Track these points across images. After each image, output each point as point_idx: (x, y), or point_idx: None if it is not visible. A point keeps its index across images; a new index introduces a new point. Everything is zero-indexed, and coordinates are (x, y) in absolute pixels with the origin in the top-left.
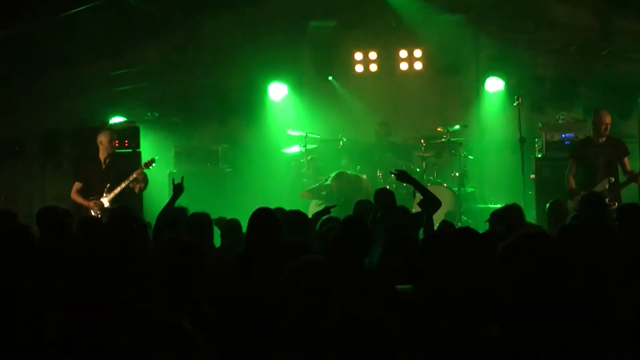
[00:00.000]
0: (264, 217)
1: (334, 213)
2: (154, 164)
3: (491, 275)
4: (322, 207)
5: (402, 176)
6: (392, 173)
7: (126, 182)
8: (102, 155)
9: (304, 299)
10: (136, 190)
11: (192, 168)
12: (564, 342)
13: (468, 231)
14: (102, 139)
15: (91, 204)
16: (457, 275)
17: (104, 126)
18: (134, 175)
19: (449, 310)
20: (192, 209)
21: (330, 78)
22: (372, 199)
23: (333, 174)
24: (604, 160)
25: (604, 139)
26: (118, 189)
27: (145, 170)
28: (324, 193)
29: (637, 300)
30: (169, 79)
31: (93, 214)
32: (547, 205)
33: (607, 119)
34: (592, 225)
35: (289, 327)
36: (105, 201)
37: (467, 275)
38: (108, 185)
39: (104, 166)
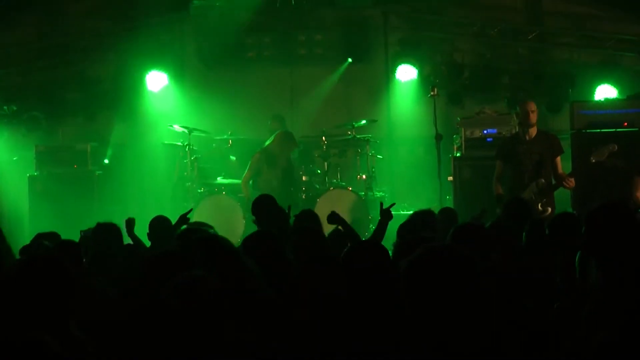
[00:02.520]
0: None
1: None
2: None
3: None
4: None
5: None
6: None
7: None
8: None
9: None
10: None
11: (57, 170)
12: None
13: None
14: None
15: None
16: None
17: None
18: None
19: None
20: (57, 218)
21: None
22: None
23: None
24: (533, 160)
25: (533, 134)
26: None
27: None
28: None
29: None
30: (28, 67)
31: None
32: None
33: (532, 106)
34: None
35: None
36: None
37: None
38: None
39: None
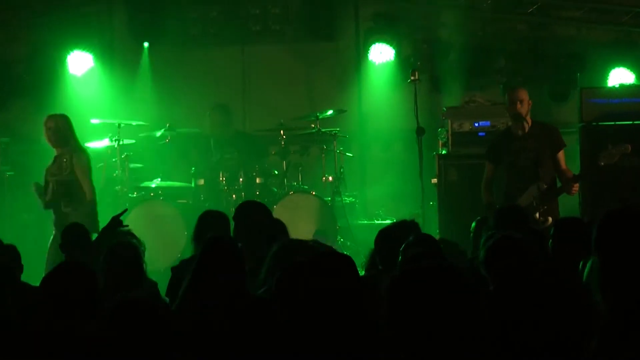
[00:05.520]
0: None
1: None
2: None
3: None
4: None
5: None
6: None
7: None
8: None
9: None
10: None
11: None
12: None
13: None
14: None
15: None
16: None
17: None
18: None
19: None
20: None
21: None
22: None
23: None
24: (529, 159)
25: (527, 127)
26: None
27: None
28: None
29: None
30: None
31: None
32: (474, 223)
33: (520, 94)
34: None
35: None
36: None
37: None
38: None
39: None
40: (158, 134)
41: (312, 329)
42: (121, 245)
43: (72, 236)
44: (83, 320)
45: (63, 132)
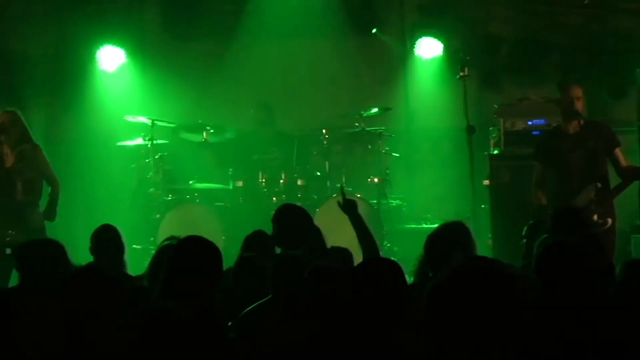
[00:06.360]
0: None
1: None
2: None
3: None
4: None
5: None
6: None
7: None
8: None
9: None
10: None
11: None
12: None
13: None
14: None
15: None
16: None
17: None
18: None
19: None
20: None
21: (374, 30)
22: None
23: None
24: (582, 158)
25: (579, 125)
26: None
27: None
28: None
29: None
30: None
31: None
32: (525, 227)
33: (577, 92)
34: None
35: None
36: None
37: None
38: None
39: None
40: (194, 131)
41: (355, 338)
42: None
43: (103, 239)
44: (103, 329)
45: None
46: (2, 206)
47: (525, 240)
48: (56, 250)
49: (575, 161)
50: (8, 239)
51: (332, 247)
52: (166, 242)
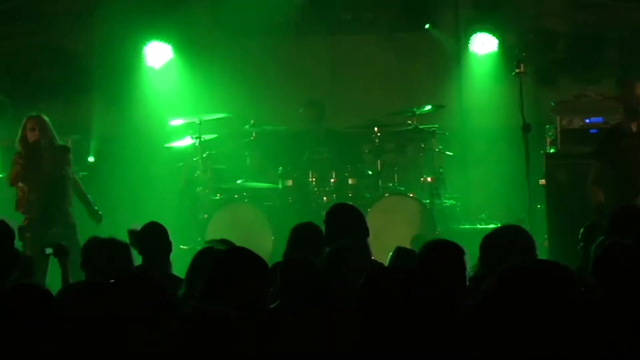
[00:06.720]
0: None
1: None
2: None
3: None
4: None
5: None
6: None
7: None
8: None
9: None
10: None
11: None
12: None
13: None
14: None
15: None
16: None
17: None
18: None
19: None
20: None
21: (428, 26)
22: None
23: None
24: None
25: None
26: None
27: None
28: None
29: None
30: None
31: None
32: (582, 229)
33: (638, 89)
34: None
35: None
36: None
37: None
38: None
39: None
40: (242, 130)
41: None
42: None
43: (150, 236)
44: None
45: None
46: (53, 207)
47: (582, 244)
48: (124, 250)
49: (636, 160)
50: (52, 235)
51: (399, 248)
52: (206, 246)
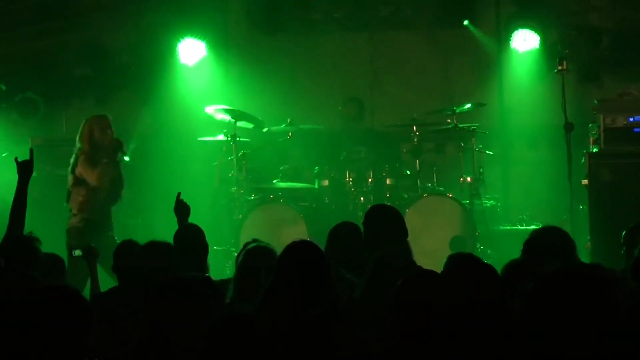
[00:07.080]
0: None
1: None
2: None
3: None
4: None
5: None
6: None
7: None
8: None
9: None
10: None
11: (59, 171)
12: None
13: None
14: None
15: None
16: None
17: None
18: None
19: None
20: (57, 233)
21: (466, 22)
22: None
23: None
24: None
25: None
26: None
27: None
28: None
29: None
30: (20, 34)
31: None
32: (625, 232)
33: None
34: None
35: None
36: None
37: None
38: None
39: None
40: (278, 129)
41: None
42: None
43: (187, 238)
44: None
45: None
46: (110, 210)
47: (625, 247)
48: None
49: None
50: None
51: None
52: (253, 245)
